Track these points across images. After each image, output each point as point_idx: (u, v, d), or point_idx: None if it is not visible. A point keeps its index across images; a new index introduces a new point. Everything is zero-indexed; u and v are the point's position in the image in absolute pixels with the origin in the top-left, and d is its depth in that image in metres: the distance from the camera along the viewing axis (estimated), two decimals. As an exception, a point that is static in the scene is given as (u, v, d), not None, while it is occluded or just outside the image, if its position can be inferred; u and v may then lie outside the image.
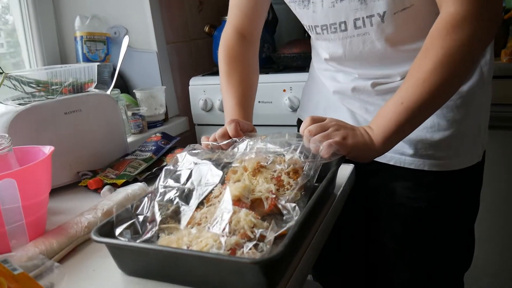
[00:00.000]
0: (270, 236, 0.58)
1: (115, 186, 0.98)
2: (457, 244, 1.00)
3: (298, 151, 0.78)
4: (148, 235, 0.64)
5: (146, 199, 0.70)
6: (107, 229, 0.64)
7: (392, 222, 1.03)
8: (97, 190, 0.99)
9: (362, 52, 0.91)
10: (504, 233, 1.54)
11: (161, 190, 0.71)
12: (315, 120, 0.81)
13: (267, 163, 0.75)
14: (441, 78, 0.77)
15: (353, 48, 0.92)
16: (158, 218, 0.66)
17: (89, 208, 0.82)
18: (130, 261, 0.63)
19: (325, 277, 1.30)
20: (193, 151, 0.80)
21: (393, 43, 0.88)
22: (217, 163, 0.77)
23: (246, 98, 1.02)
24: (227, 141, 0.84)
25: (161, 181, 0.73)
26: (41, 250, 0.68)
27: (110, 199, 0.86)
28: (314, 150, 0.77)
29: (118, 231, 0.63)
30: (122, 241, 0.61)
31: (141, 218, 0.67)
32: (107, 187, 0.97)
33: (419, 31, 0.85)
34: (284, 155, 0.77)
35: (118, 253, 0.63)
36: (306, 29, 0.99)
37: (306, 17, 0.95)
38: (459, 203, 0.97)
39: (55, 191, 1.00)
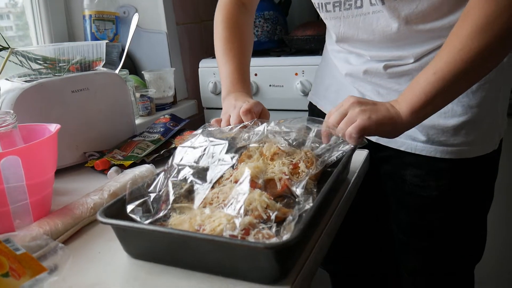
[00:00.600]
0: (289, 223, 0.55)
1: (122, 168, 0.96)
2: (467, 236, 0.98)
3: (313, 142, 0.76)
4: (160, 214, 0.62)
5: (160, 176, 0.68)
6: (113, 210, 0.62)
7: (401, 211, 1.01)
8: (104, 171, 0.97)
9: (375, 31, 0.88)
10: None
11: (175, 168, 0.69)
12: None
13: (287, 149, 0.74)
14: (479, 45, 0.71)
15: (366, 26, 0.88)
16: (172, 197, 0.64)
17: (95, 189, 0.80)
18: (136, 243, 0.61)
19: (333, 265, 1.28)
20: (209, 129, 0.78)
21: (406, 22, 0.84)
22: (233, 143, 0.75)
23: (244, 63, 1.00)
24: (241, 124, 0.82)
25: (176, 159, 0.72)
26: (45, 231, 0.66)
27: (117, 181, 0.83)
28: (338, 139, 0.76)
29: (129, 207, 0.61)
30: (129, 222, 0.58)
31: (153, 196, 0.65)
32: (114, 168, 0.95)
33: (433, 10, 0.81)
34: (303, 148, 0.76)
35: (124, 235, 0.61)
36: (316, 7, 0.95)
37: None
38: (470, 193, 0.94)
39: (61, 172, 0.98)
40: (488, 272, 1.40)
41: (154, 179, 0.68)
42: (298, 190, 0.64)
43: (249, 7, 1.08)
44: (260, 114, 0.86)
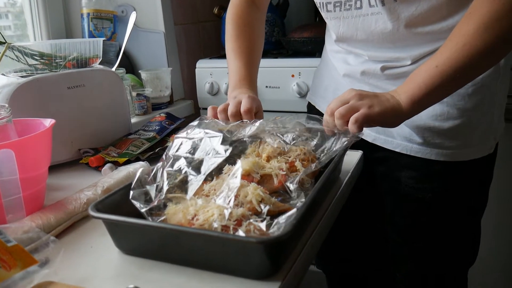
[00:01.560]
0: (282, 219, 0.56)
1: (117, 165, 0.96)
2: (461, 239, 0.98)
3: (315, 141, 0.77)
4: (155, 203, 0.63)
5: (158, 166, 0.69)
6: (105, 205, 0.62)
7: (395, 213, 1.01)
8: (98, 168, 0.97)
9: (374, 32, 0.88)
10: (512, 230, 1.51)
11: (170, 158, 0.70)
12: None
13: (284, 150, 0.76)
14: (483, 43, 0.72)
15: (365, 27, 0.89)
16: (166, 187, 0.65)
17: (89, 185, 0.80)
18: (128, 238, 0.61)
19: (329, 266, 1.28)
20: (205, 121, 0.78)
21: (405, 24, 0.85)
22: (227, 136, 0.76)
23: (253, 60, 1.01)
24: (237, 122, 0.82)
25: (171, 150, 0.72)
26: (38, 224, 0.66)
27: (111, 177, 0.84)
28: (339, 126, 0.76)
29: (132, 194, 0.62)
30: (120, 217, 0.58)
31: (152, 185, 0.66)
32: (108, 165, 0.95)
33: (432, 13, 0.82)
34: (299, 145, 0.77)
35: (115, 229, 0.61)
36: (317, 6, 0.96)
37: None
38: (465, 196, 0.94)
39: (56, 168, 0.98)
40: (481, 275, 1.41)
41: (153, 170, 0.68)
42: (291, 186, 0.64)
43: (260, 5, 1.08)
44: (256, 113, 0.87)
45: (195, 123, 0.78)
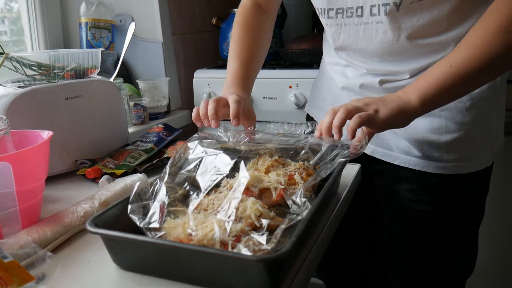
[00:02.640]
0: (279, 230, 0.56)
1: (114, 176, 0.95)
2: (459, 250, 0.98)
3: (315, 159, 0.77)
4: (156, 217, 0.62)
5: (157, 181, 0.68)
6: (103, 220, 0.61)
7: (393, 225, 1.01)
8: (95, 180, 0.96)
9: (374, 41, 0.88)
10: (509, 241, 1.51)
11: (170, 172, 0.70)
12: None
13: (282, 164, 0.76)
14: (500, 46, 0.72)
15: (366, 36, 0.89)
16: (166, 200, 0.64)
17: (86, 198, 0.80)
18: (126, 254, 0.60)
19: (327, 276, 1.28)
20: (204, 141, 0.78)
21: (405, 35, 0.85)
22: (228, 152, 0.76)
23: (251, 62, 1.01)
24: (236, 140, 0.82)
25: (171, 165, 0.72)
26: (34, 239, 0.66)
27: (108, 189, 0.83)
28: (339, 123, 0.74)
29: (130, 208, 0.62)
30: (118, 232, 0.58)
31: (150, 199, 0.65)
32: (105, 176, 0.95)
33: (433, 25, 0.83)
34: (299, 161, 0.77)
35: (113, 245, 0.60)
36: (317, 13, 0.96)
37: None
38: (463, 208, 0.95)
39: (52, 179, 0.97)
40: (479, 286, 1.40)
41: (152, 183, 0.68)
42: (298, 199, 0.64)
43: (267, 9, 1.09)
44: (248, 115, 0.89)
45: (195, 142, 0.77)
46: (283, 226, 0.57)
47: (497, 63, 0.74)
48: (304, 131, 0.87)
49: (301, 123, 0.89)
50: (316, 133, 0.79)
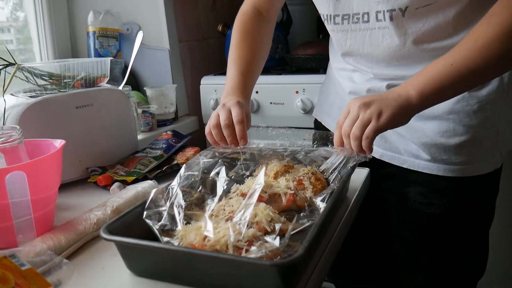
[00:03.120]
0: (289, 231, 0.57)
1: (125, 183, 0.96)
2: (469, 252, 0.98)
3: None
4: (179, 221, 0.64)
5: (170, 187, 0.69)
6: (116, 227, 0.62)
7: (402, 228, 1.01)
8: (106, 187, 0.97)
9: (380, 46, 0.89)
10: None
11: (184, 177, 0.72)
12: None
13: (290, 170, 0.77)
14: (502, 48, 0.72)
15: (372, 41, 0.90)
16: (183, 204, 0.65)
17: (98, 205, 0.81)
18: (140, 261, 0.61)
19: (338, 279, 1.28)
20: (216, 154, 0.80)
21: (411, 40, 0.86)
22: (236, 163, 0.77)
23: (250, 69, 1.01)
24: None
25: (184, 171, 0.74)
26: (49, 246, 0.67)
27: (119, 196, 0.84)
28: (356, 148, 0.76)
29: (145, 213, 0.63)
30: (132, 239, 0.58)
31: (165, 204, 0.66)
32: (116, 184, 0.96)
33: (439, 30, 0.83)
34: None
35: (127, 252, 0.61)
36: (322, 19, 0.97)
37: (327, 5, 0.92)
38: (473, 210, 0.95)
39: (64, 187, 0.98)
40: (490, 287, 1.40)
41: (165, 189, 0.69)
42: (318, 202, 0.65)
43: (267, 16, 1.09)
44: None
45: (206, 151, 0.79)
46: (289, 229, 0.57)
47: (496, 65, 0.75)
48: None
49: (302, 128, 0.91)
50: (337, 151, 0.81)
